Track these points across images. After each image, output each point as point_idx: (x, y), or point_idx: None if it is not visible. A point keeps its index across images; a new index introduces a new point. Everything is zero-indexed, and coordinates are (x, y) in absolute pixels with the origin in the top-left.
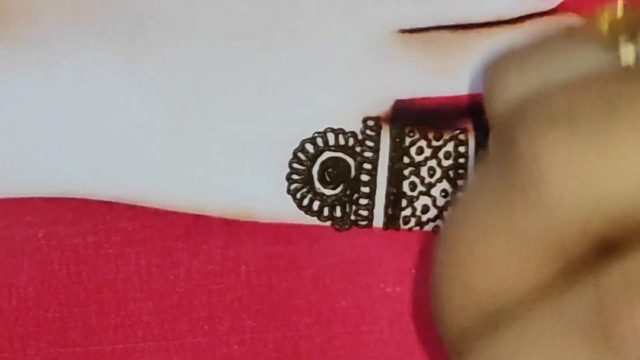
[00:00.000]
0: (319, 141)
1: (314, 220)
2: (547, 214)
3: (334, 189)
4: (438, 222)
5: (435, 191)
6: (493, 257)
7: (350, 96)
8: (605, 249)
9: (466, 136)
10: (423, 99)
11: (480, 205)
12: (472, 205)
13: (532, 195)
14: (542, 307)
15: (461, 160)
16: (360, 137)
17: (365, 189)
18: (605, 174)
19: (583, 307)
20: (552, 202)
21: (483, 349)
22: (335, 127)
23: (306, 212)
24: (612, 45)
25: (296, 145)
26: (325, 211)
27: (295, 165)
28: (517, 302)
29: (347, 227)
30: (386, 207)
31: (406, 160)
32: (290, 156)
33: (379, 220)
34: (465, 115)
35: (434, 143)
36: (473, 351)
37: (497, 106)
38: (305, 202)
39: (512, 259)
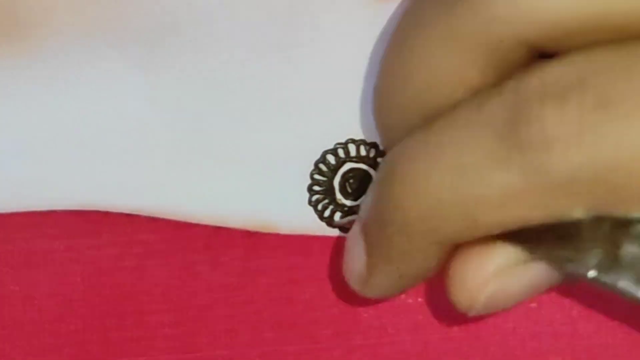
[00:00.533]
0: (340, 152)
1: (335, 232)
2: (487, 18)
3: (355, 199)
4: None
5: None
6: (432, 53)
7: (371, 107)
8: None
9: None
10: None
11: (428, 5)
12: (420, 7)
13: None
14: (466, 105)
15: None
16: (381, 148)
17: None
18: None
19: (501, 108)
20: (493, 9)
21: (412, 139)
22: (357, 138)
23: (328, 224)
24: None
25: (317, 156)
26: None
27: (317, 177)
28: (449, 102)
29: None
30: None
31: None
32: (312, 167)
33: None
34: None
35: None
36: (404, 141)
37: None
38: (327, 213)
39: (449, 57)
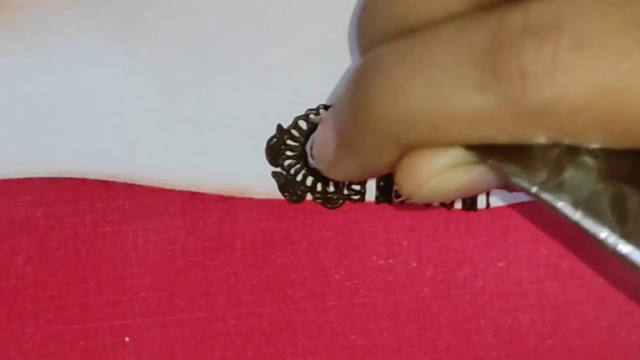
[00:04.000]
0: (312, 118)
1: (307, 196)
2: None
3: None
4: None
5: None
6: None
7: (342, 73)
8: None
9: None
10: None
11: None
12: None
13: None
14: (450, 26)
15: None
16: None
17: None
18: None
19: (482, 36)
20: None
21: (393, 46)
22: (328, 104)
23: (300, 188)
24: None
25: (289, 122)
26: (319, 186)
27: (289, 142)
28: (428, 23)
29: (338, 205)
30: (378, 181)
31: None
32: (284, 133)
33: (371, 194)
34: None
35: None
36: (385, 45)
37: None
38: (299, 177)
39: None
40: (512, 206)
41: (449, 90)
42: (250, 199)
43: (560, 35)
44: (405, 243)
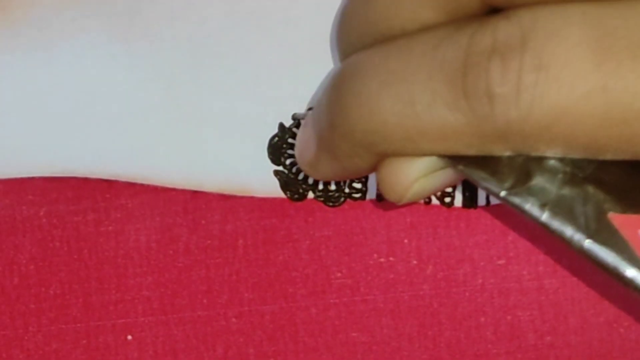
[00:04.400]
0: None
1: (308, 194)
2: None
3: None
4: None
5: None
6: None
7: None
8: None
9: None
10: None
11: None
12: None
13: None
14: (423, 41)
15: None
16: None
17: None
18: None
19: (453, 54)
20: None
21: (369, 55)
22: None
23: (301, 187)
24: None
25: (291, 121)
26: (320, 185)
27: (291, 141)
28: (403, 33)
29: (340, 203)
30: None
31: None
32: (286, 132)
33: (372, 192)
34: None
35: None
36: (361, 53)
37: None
38: (301, 176)
39: None
40: None
41: (421, 106)
42: (252, 198)
43: (524, 56)
44: (405, 241)
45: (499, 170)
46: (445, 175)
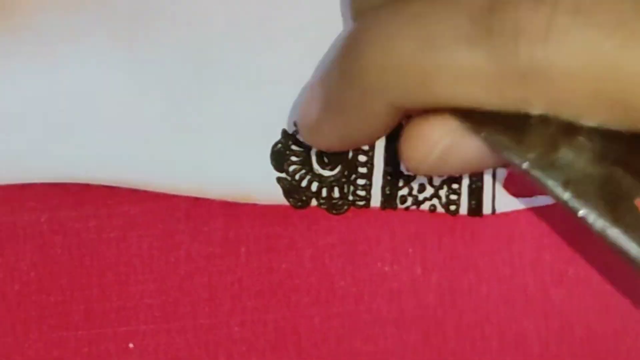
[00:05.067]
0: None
1: (312, 202)
2: None
3: (332, 169)
4: (434, 201)
5: None
6: None
7: None
8: None
9: None
10: None
11: None
12: None
13: None
14: None
15: None
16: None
17: (363, 170)
18: None
19: None
20: None
21: (385, 7)
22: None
23: (305, 194)
24: None
25: (295, 127)
26: (324, 192)
27: (294, 147)
28: None
29: (344, 211)
30: (383, 187)
31: None
32: (289, 139)
33: (376, 200)
34: None
35: None
36: (378, 9)
37: None
38: (304, 183)
39: None
40: (517, 212)
41: (440, 44)
42: (254, 205)
43: None
44: (410, 250)
45: (525, 139)
46: (472, 145)
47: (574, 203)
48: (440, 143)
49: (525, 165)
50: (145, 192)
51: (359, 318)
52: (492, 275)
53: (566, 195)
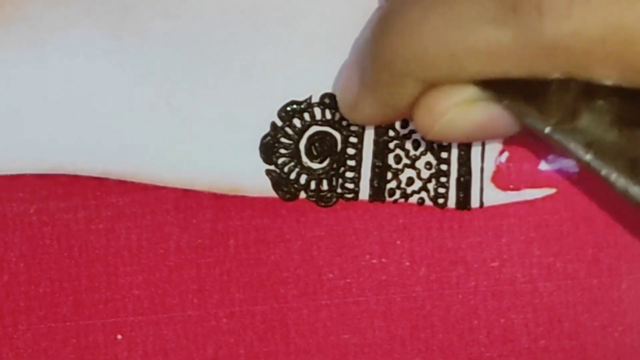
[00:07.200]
0: (306, 116)
1: (300, 194)
2: None
3: (321, 162)
4: (422, 194)
5: (420, 164)
6: None
7: (337, 69)
8: None
9: None
10: None
11: None
12: None
13: None
14: None
15: None
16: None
17: (352, 162)
18: None
19: None
20: None
21: None
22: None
23: (293, 186)
24: None
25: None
26: (313, 185)
27: (283, 140)
28: None
29: (332, 203)
30: (372, 180)
31: (391, 133)
32: (278, 131)
33: (365, 193)
34: None
35: None
36: None
37: None
38: (293, 175)
39: None
40: (506, 206)
41: (467, 23)
42: (243, 197)
43: None
44: (398, 242)
45: (546, 106)
46: (485, 111)
47: (596, 164)
48: (452, 109)
49: (547, 130)
50: (134, 183)
51: (347, 310)
52: (480, 268)
53: (588, 157)
